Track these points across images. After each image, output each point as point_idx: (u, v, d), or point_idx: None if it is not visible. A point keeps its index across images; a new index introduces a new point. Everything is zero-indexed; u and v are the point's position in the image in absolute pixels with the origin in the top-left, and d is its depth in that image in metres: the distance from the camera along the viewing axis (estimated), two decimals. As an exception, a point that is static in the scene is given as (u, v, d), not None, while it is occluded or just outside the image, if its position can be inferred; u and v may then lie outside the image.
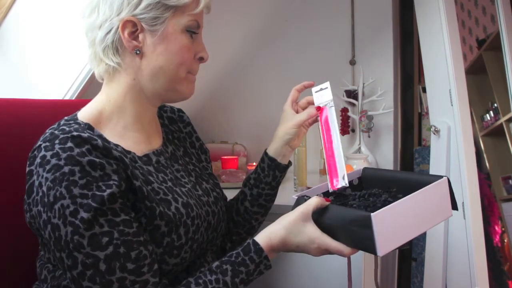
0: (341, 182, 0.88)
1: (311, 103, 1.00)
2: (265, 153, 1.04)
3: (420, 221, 0.81)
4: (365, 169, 1.03)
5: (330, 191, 0.91)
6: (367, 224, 0.72)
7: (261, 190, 1.03)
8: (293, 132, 0.99)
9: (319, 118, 0.96)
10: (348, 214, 0.77)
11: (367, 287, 1.37)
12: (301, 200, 0.85)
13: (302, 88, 1.03)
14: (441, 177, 0.85)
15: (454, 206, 0.87)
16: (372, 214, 0.71)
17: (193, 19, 0.84)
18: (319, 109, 0.96)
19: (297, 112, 1.01)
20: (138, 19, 0.80)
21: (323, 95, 0.95)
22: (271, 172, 1.02)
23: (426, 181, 0.84)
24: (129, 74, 0.84)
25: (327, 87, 0.95)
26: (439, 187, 0.84)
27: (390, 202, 0.81)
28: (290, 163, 1.05)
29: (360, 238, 0.75)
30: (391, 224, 0.74)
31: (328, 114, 0.94)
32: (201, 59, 0.89)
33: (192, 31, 0.84)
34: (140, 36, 0.81)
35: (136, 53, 0.82)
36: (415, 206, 0.79)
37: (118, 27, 0.80)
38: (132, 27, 0.81)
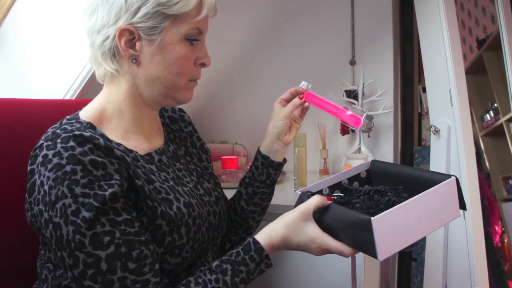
0: (363, 115, 0.94)
1: (293, 93, 1.02)
2: (258, 151, 1.03)
3: (424, 224, 0.78)
4: (373, 161, 1.01)
5: (356, 129, 0.97)
6: (367, 228, 0.71)
7: (256, 188, 1.03)
8: (281, 124, 0.99)
9: (308, 104, 1.02)
10: (349, 216, 0.76)
11: (367, 286, 1.37)
12: (304, 196, 0.85)
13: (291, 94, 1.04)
14: (449, 176, 0.82)
15: (463, 206, 0.84)
16: (372, 218, 0.70)
17: (194, 26, 0.81)
18: (301, 97, 1.00)
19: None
20: (135, 27, 0.78)
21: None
22: (265, 170, 1.02)
23: (434, 180, 0.81)
24: (128, 80, 0.84)
25: (303, 84, 1.02)
26: (446, 188, 0.80)
27: (394, 202, 0.79)
28: (285, 160, 1.04)
29: (361, 241, 0.74)
30: (393, 228, 0.72)
31: (311, 92, 1.01)
32: (203, 65, 0.87)
33: (193, 39, 0.83)
34: (137, 45, 0.80)
35: (133, 62, 0.81)
36: (419, 208, 0.76)
37: (115, 35, 0.79)
38: (130, 35, 0.79)
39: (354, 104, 1.96)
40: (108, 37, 0.79)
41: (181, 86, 0.84)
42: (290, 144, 1.03)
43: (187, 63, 0.83)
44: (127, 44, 0.80)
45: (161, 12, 0.78)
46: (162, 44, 0.80)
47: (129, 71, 0.83)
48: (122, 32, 0.78)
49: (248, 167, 1.80)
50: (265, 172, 1.02)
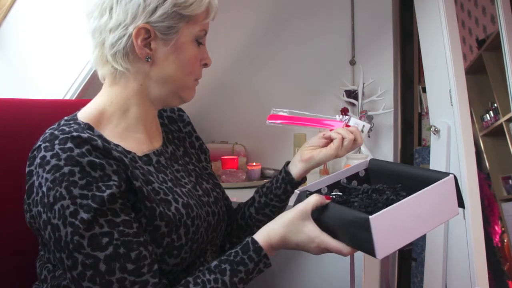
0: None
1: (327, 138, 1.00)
2: (286, 164, 1.01)
3: (423, 222, 0.78)
4: (372, 160, 1.01)
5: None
6: (366, 227, 0.70)
7: (269, 200, 1.02)
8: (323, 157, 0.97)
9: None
10: (347, 214, 0.76)
11: (367, 286, 1.37)
12: (302, 195, 0.85)
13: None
14: (447, 174, 0.82)
15: (461, 204, 0.84)
16: (370, 217, 0.70)
17: (202, 28, 0.85)
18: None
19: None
20: (152, 27, 0.79)
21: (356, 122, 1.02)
22: (283, 185, 1.00)
23: (433, 178, 0.81)
24: (137, 80, 0.84)
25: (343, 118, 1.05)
26: (444, 186, 0.80)
27: (392, 201, 0.79)
28: (304, 179, 1.02)
29: (359, 239, 0.73)
30: (391, 226, 0.72)
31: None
32: (205, 65, 0.90)
33: (200, 40, 0.85)
34: (153, 44, 0.81)
35: (147, 61, 0.82)
36: (417, 207, 0.76)
37: (132, 34, 0.79)
38: (145, 34, 0.80)
39: (355, 105, 1.97)
40: (124, 35, 0.79)
41: (189, 85, 0.87)
42: (309, 163, 0.98)
43: (197, 63, 0.86)
44: (142, 42, 0.80)
45: (177, 13, 0.80)
46: (177, 44, 0.82)
47: (140, 71, 0.83)
48: (139, 30, 0.79)
49: (248, 167, 1.77)
50: (283, 188, 1.00)
